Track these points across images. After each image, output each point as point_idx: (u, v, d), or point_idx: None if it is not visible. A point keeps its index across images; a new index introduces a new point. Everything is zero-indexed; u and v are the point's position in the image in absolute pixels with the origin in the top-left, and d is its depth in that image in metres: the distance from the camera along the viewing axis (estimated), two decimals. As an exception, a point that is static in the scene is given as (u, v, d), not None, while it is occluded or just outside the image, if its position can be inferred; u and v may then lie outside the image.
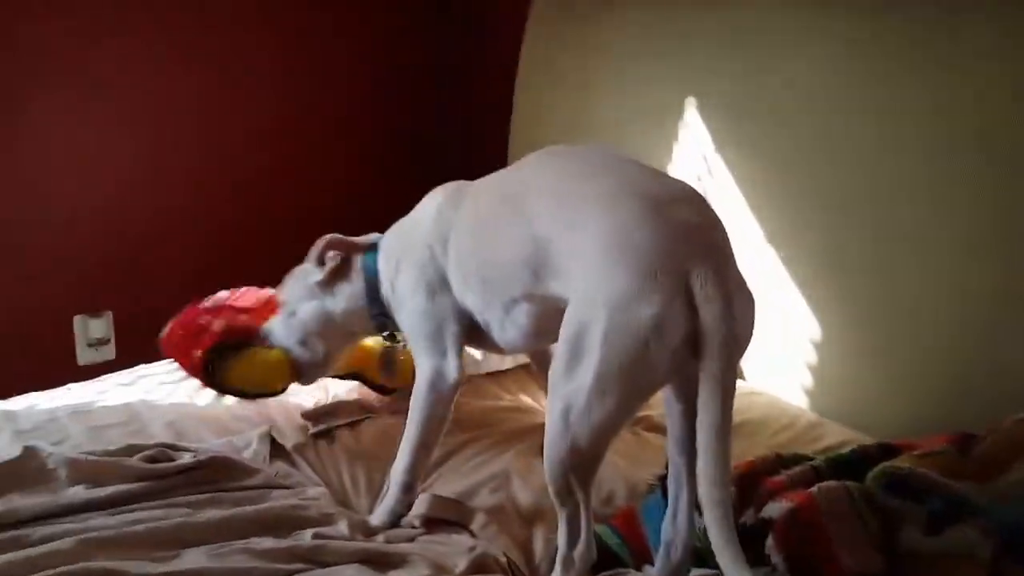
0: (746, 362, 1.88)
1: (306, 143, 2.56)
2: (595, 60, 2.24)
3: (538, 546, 1.30)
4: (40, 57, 2.15)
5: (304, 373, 1.59)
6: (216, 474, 1.38)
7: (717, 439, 0.98)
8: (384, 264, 1.47)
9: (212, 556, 1.16)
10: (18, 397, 1.70)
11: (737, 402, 1.01)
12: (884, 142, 1.64)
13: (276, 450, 1.53)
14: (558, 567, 1.16)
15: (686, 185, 1.16)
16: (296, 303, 1.56)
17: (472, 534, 1.31)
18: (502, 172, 1.38)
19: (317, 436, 1.58)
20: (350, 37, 2.60)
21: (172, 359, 1.70)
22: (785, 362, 1.83)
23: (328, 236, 1.52)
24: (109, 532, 1.19)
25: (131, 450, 1.42)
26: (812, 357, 1.79)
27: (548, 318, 1.26)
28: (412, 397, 1.40)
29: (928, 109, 1.57)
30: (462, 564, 1.20)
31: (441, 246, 1.37)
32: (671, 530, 1.18)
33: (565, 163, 1.24)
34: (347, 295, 1.52)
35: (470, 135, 2.73)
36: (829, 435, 1.63)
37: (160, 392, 1.78)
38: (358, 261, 1.51)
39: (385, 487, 1.41)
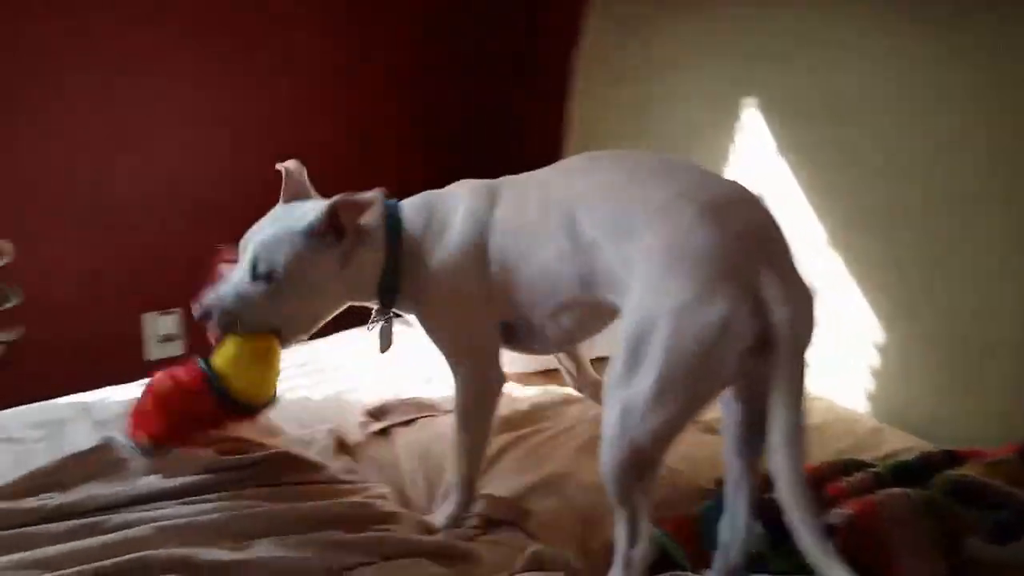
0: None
1: (360, 138, 2.57)
2: (655, 60, 2.23)
3: (596, 545, 1.30)
4: (115, 52, 2.22)
5: (288, 343, 1.37)
6: (282, 468, 1.41)
7: (794, 439, 0.97)
8: (410, 269, 1.34)
9: (282, 546, 1.20)
10: (93, 391, 1.77)
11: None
12: (949, 145, 1.62)
13: (340, 446, 1.56)
14: (617, 567, 1.17)
15: (740, 185, 1.16)
16: (314, 277, 1.30)
17: (529, 534, 1.33)
18: (542, 175, 1.34)
19: (377, 433, 1.61)
20: (403, 29, 2.61)
21: (168, 438, 1.39)
22: (846, 367, 1.81)
23: (354, 197, 1.28)
24: (181, 520, 1.24)
25: (201, 442, 1.46)
26: (873, 362, 1.76)
27: (593, 319, 1.31)
28: (456, 408, 1.38)
29: (994, 111, 1.54)
30: (520, 561, 1.23)
31: (478, 252, 1.31)
32: (728, 533, 1.18)
33: (613, 169, 1.23)
34: (362, 272, 1.34)
35: (524, 134, 2.74)
36: (890, 441, 1.61)
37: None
38: (376, 234, 1.33)
39: (443, 489, 1.43)
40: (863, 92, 1.74)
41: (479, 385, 1.37)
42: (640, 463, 1.10)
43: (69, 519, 1.25)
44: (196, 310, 1.30)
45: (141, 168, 2.33)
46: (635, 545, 1.15)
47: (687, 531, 1.26)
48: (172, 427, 1.37)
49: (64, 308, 2.27)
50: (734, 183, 1.17)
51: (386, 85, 2.64)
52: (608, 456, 1.11)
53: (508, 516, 1.36)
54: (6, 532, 1.21)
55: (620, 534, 1.16)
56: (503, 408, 1.68)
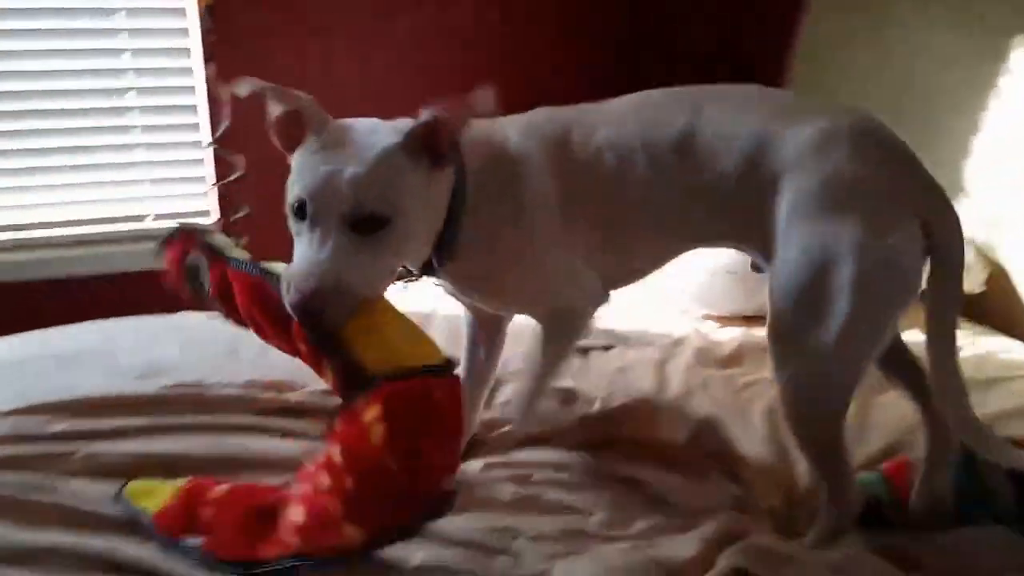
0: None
1: (574, 74, 2.50)
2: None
3: (800, 491, 1.25)
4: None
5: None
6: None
7: (952, 336, 1.03)
8: (478, 204, 1.10)
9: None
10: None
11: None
12: None
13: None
14: (822, 518, 1.12)
15: (858, 110, 1.11)
16: (422, 210, 1.01)
17: (732, 476, 1.28)
18: (623, 113, 1.16)
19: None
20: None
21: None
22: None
23: (463, 103, 0.98)
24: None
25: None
26: None
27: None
28: (544, 352, 1.23)
29: None
30: (724, 499, 1.21)
31: (558, 201, 1.14)
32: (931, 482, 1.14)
33: (719, 110, 1.12)
34: (439, 203, 1.06)
35: (743, 70, 2.59)
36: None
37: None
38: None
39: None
40: None
41: (574, 323, 1.23)
42: (838, 410, 1.07)
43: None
44: (297, 301, 0.91)
45: (359, 104, 2.38)
46: (837, 495, 1.10)
47: (905, 476, 1.18)
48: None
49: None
50: (849, 107, 1.12)
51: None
52: (803, 413, 1.08)
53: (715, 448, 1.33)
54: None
55: (823, 486, 1.12)
56: (703, 342, 1.69)
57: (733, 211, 1.11)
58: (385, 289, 1.01)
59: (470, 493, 1.18)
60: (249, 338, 0.99)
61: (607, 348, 1.65)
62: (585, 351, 1.64)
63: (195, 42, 2.16)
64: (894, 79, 2.01)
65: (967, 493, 1.13)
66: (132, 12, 2.13)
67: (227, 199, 2.30)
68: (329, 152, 0.97)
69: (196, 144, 2.26)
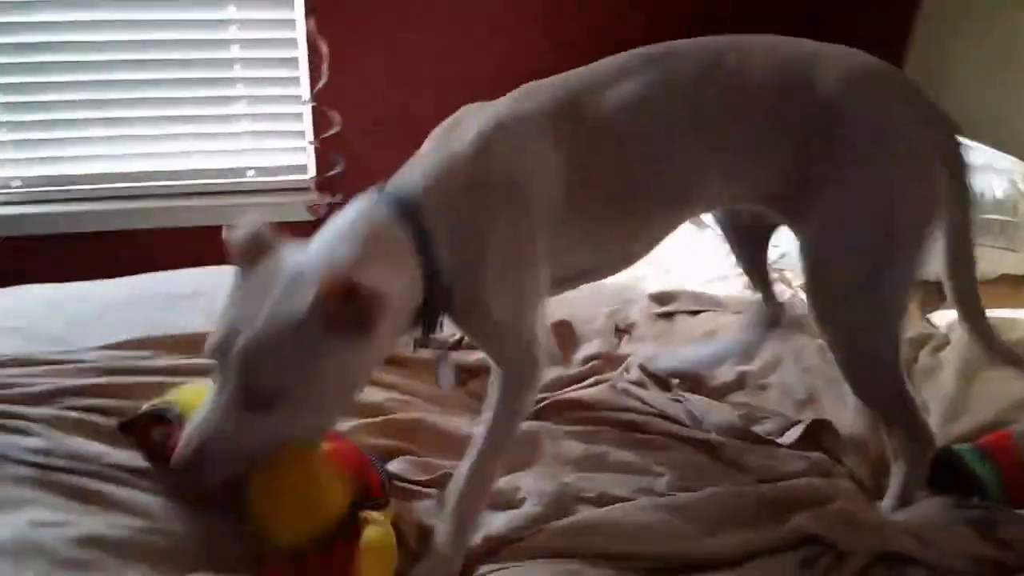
0: None
1: None
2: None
3: (878, 454, 1.22)
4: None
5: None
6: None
7: (970, 260, 1.07)
8: (449, 252, 0.99)
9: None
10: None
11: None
12: None
13: (617, 330, 1.58)
14: (895, 479, 1.12)
15: (858, 52, 1.09)
16: (338, 370, 0.90)
17: (819, 444, 1.26)
18: (642, 66, 1.08)
19: (660, 316, 1.62)
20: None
21: None
22: None
23: (352, 282, 0.86)
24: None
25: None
26: None
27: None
28: (505, 408, 1.05)
29: None
30: (805, 471, 1.18)
31: (564, 179, 1.03)
32: None
33: (746, 56, 1.08)
34: (400, 314, 0.97)
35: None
36: None
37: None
38: (397, 248, 0.97)
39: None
40: None
41: (537, 373, 1.07)
42: (897, 350, 1.08)
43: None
44: (180, 459, 0.88)
45: (457, 64, 2.36)
46: (918, 436, 1.10)
47: (1009, 449, 1.13)
48: None
49: (380, 176, 2.45)
50: (845, 48, 1.10)
51: None
52: (866, 365, 1.09)
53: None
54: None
55: (901, 447, 1.11)
56: (798, 308, 1.61)
57: (765, 160, 1.08)
58: (313, 435, 0.95)
59: (539, 449, 1.20)
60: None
61: (694, 313, 1.63)
62: (670, 315, 1.62)
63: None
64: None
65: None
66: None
67: (323, 155, 2.34)
68: (242, 299, 0.91)
69: (296, 99, 2.31)
